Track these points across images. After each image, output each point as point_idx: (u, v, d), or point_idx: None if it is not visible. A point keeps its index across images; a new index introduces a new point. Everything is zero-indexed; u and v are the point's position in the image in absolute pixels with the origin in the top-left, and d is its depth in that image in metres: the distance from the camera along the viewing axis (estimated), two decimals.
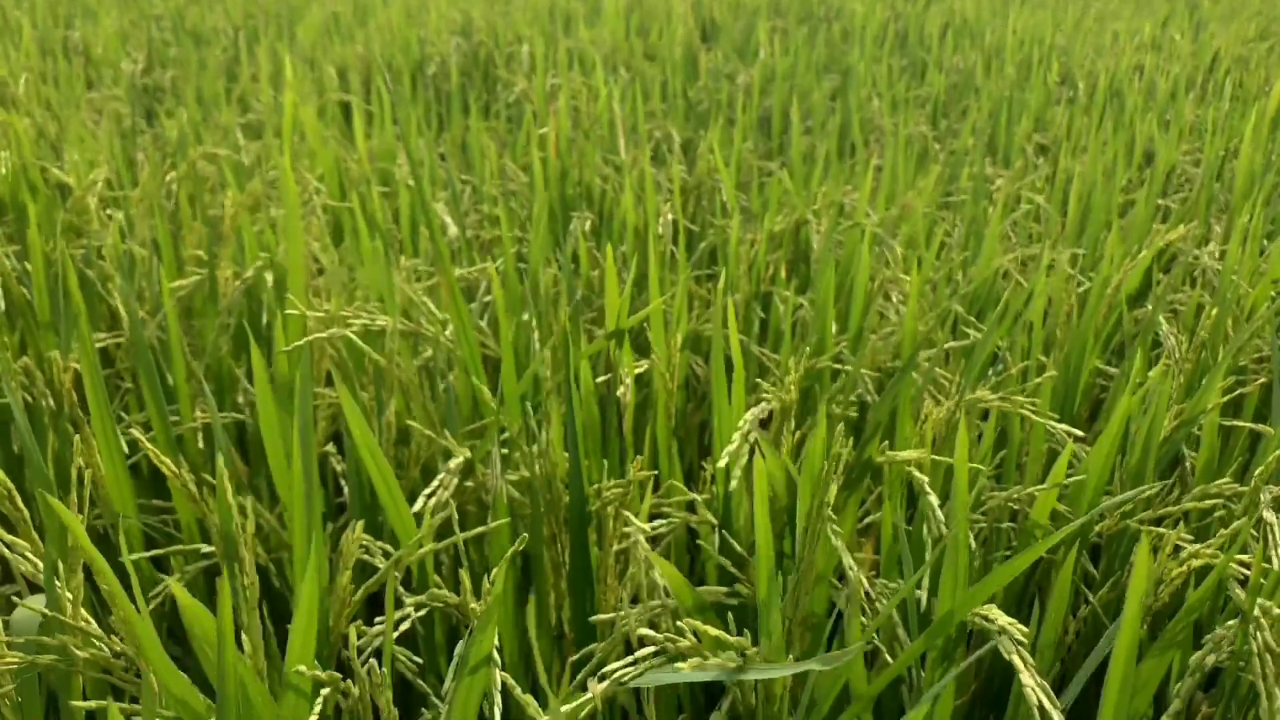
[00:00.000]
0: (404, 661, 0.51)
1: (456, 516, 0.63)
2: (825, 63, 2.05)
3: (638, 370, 0.67)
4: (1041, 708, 0.42)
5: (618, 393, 0.61)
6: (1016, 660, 0.36)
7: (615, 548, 0.53)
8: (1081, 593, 0.66)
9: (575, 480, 0.53)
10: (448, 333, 0.72)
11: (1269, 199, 1.20)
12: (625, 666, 0.39)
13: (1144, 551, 0.32)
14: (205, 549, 0.62)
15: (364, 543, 0.60)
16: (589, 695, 0.38)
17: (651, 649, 0.40)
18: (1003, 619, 0.37)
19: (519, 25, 2.13)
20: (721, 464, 0.49)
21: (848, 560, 0.44)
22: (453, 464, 0.54)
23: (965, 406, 0.58)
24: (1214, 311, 0.80)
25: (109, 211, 1.03)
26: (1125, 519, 0.61)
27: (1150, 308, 0.94)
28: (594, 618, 0.51)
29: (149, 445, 0.67)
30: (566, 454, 0.63)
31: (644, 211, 1.01)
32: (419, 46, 1.96)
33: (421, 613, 0.51)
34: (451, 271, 0.65)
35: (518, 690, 0.40)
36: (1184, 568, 0.45)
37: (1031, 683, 0.35)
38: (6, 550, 0.53)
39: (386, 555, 0.60)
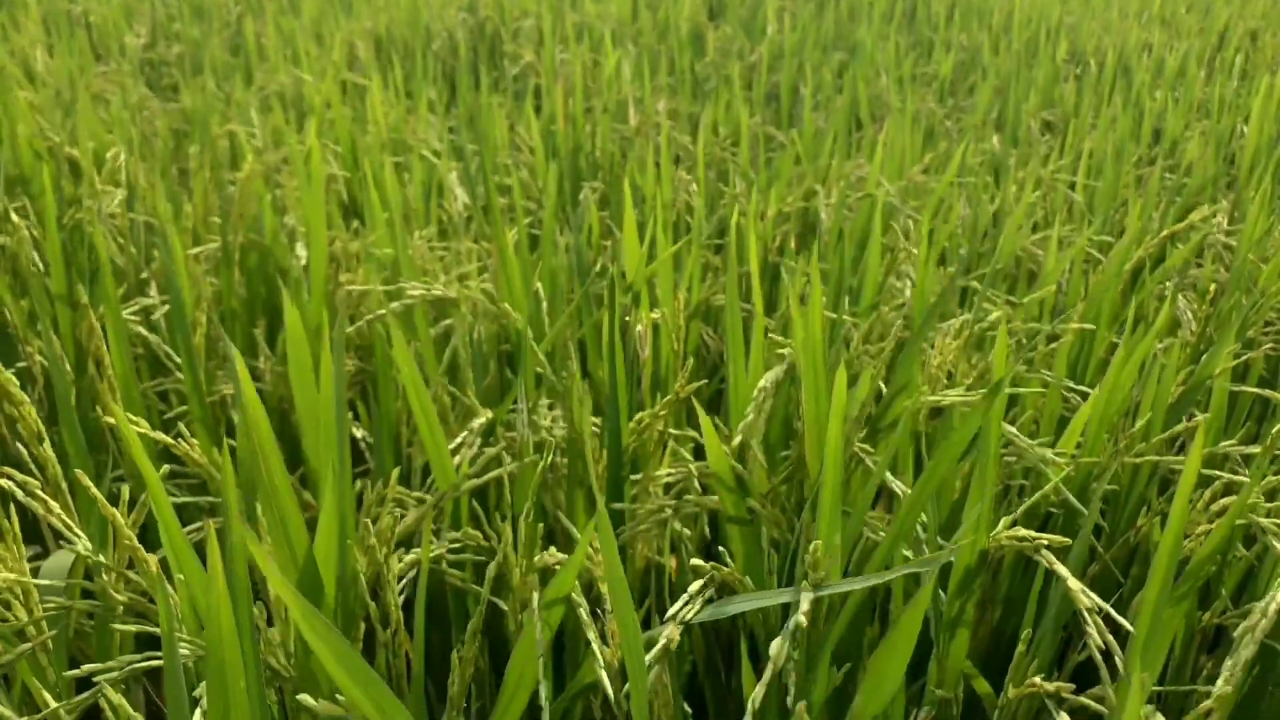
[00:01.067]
0: (454, 576, 0.52)
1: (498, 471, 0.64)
2: (833, 40, 2.04)
3: (653, 319, 0.67)
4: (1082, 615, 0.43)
5: (636, 330, 0.62)
6: (1059, 568, 0.37)
7: (652, 485, 0.54)
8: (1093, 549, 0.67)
9: (612, 419, 0.54)
10: (481, 292, 0.73)
11: (1278, 172, 1.21)
12: (683, 605, 0.40)
13: (1197, 447, 0.33)
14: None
15: (395, 495, 0.61)
16: (662, 637, 0.39)
17: (700, 581, 0.41)
18: (1043, 537, 0.38)
19: (525, 0, 2.12)
20: (759, 389, 0.49)
21: (892, 483, 0.45)
22: (476, 424, 0.55)
23: (981, 327, 0.59)
24: (1225, 295, 0.81)
25: (120, 182, 1.03)
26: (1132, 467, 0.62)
27: (1165, 282, 0.95)
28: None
29: (144, 428, 0.67)
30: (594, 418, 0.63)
31: (660, 178, 1.02)
32: (425, 22, 1.96)
33: (455, 546, 0.52)
34: (504, 233, 0.65)
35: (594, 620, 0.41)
36: (1213, 525, 0.46)
37: (1077, 586, 0.36)
38: (20, 495, 0.54)
39: (419, 503, 0.61)
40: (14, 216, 0.87)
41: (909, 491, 0.52)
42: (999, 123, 1.61)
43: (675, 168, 1.28)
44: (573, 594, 0.42)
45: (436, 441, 0.53)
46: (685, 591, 0.56)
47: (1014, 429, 0.51)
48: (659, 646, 0.39)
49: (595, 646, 0.39)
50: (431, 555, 0.56)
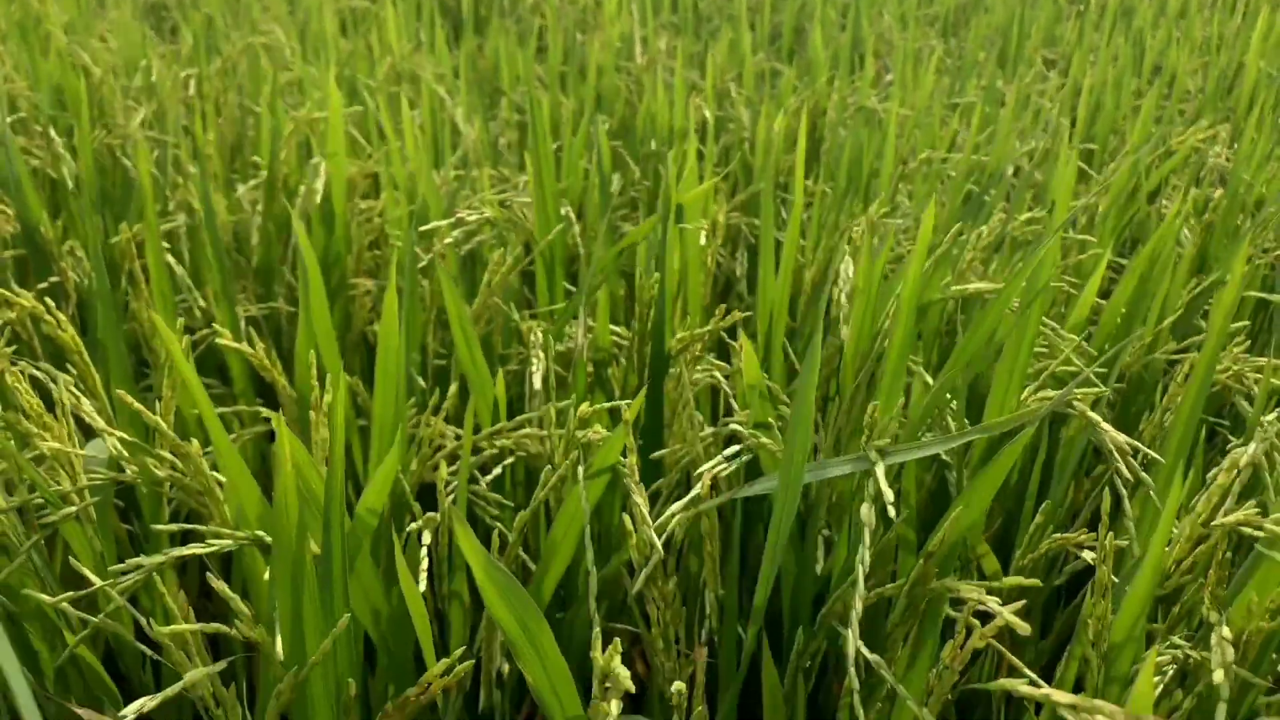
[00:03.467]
0: (489, 503, 0.55)
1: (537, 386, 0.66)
2: None
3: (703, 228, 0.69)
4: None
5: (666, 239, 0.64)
6: (1091, 415, 0.39)
7: (691, 387, 0.57)
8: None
9: (658, 329, 0.56)
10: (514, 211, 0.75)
11: (1276, 103, 1.22)
12: (715, 465, 0.43)
13: (1235, 280, 0.35)
14: (265, 412, 0.65)
15: (434, 420, 0.63)
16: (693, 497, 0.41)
17: (736, 447, 0.44)
18: (1076, 392, 0.41)
19: None
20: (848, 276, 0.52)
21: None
22: (538, 336, 0.58)
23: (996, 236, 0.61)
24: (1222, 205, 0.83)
25: (136, 105, 1.04)
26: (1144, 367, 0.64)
27: (1164, 202, 0.97)
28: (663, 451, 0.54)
29: (223, 330, 0.69)
30: (615, 328, 0.65)
31: (673, 107, 1.03)
32: None
33: (506, 459, 0.54)
34: (548, 142, 0.67)
35: (638, 496, 0.43)
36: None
37: (1109, 430, 0.38)
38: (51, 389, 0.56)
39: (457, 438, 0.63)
40: (52, 134, 0.88)
41: (930, 383, 0.55)
42: (1001, 60, 1.62)
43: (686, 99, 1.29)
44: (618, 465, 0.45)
45: (480, 375, 0.55)
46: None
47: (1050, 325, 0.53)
48: (690, 495, 0.42)
49: (637, 497, 0.42)
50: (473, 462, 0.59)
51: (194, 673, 0.35)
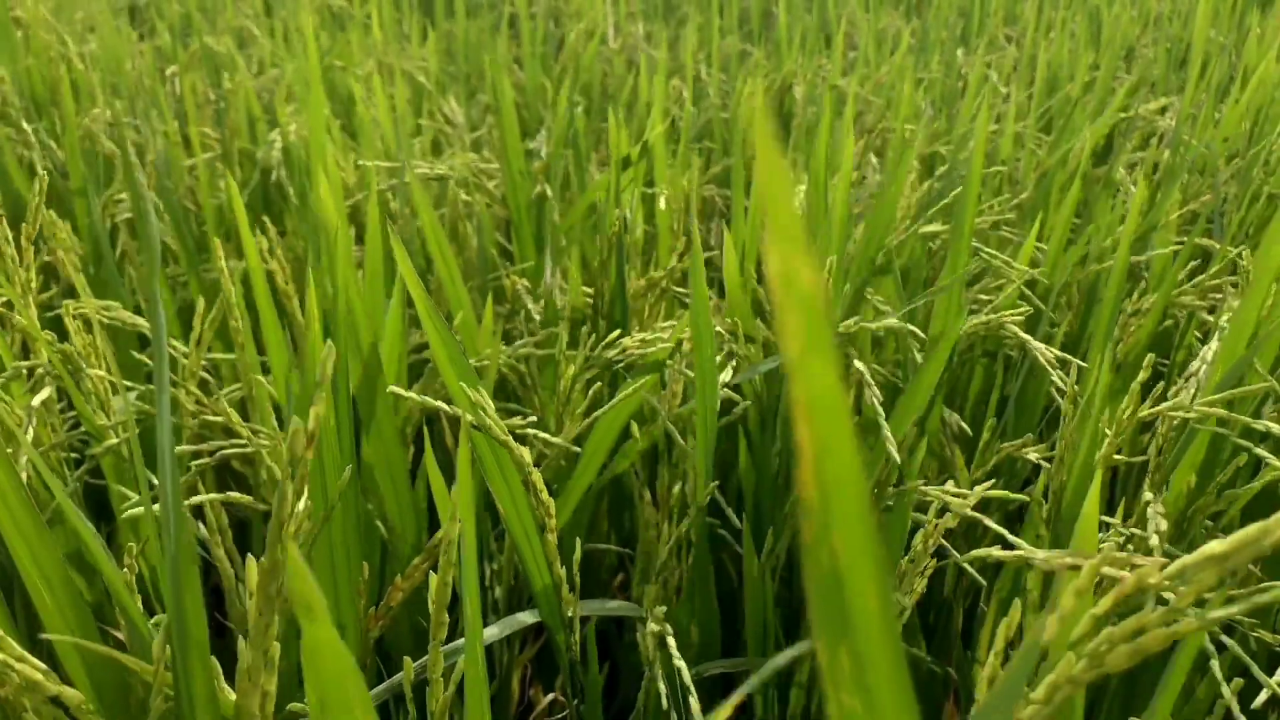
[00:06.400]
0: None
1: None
2: None
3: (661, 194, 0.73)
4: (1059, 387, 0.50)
5: (625, 211, 0.67)
6: (1023, 335, 0.44)
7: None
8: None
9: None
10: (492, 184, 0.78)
11: (1225, 71, 1.27)
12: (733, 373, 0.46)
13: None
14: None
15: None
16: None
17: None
18: (1007, 315, 0.45)
19: None
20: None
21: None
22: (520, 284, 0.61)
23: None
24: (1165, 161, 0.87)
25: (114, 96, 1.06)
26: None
27: (1111, 165, 1.01)
28: None
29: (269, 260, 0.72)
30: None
31: (642, 84, 1.06)
32: None
33: None
34: (512, 114, 0.70)
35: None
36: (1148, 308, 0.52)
37: (1040, 345, 0.42)
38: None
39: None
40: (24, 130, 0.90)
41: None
42: (964, 38, 1.67)
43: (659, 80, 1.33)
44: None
45: (459, 292, 0.59)
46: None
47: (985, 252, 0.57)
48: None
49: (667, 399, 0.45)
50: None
51: (207, 496, 0.38)
